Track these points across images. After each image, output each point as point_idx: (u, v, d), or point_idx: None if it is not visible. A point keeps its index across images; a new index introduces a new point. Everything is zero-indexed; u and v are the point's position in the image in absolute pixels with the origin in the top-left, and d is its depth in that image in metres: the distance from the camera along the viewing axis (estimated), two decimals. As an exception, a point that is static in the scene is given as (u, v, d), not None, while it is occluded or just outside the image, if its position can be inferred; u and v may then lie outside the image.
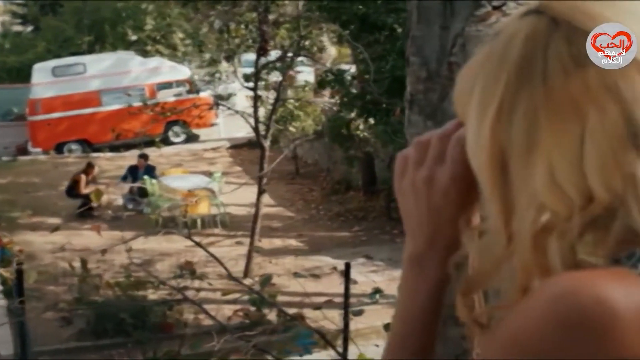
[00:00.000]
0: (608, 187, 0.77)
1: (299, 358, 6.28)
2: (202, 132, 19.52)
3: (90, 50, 21.76)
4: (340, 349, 6.00)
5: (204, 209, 13.03)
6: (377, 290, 5.85)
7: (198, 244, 4.78)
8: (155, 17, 18.30)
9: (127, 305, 7.59)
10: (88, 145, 18.81)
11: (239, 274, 10.02)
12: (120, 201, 14.36)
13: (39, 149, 18.92)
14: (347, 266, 7.32)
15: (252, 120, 10.57)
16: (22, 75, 20.55)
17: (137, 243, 11.07)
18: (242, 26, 11.03)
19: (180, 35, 15.79)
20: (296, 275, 7.15)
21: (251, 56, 12.27)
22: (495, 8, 1.59)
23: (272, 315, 6.52)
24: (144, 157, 14.70)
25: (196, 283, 7.26)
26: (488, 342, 0.79)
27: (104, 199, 13.65)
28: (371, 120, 10.99)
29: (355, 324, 6.82)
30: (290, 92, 13.62)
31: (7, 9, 28.55)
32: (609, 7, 0.81)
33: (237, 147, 18.67)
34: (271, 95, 11.61)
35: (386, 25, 9.58)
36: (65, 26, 22.78)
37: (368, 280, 9.19)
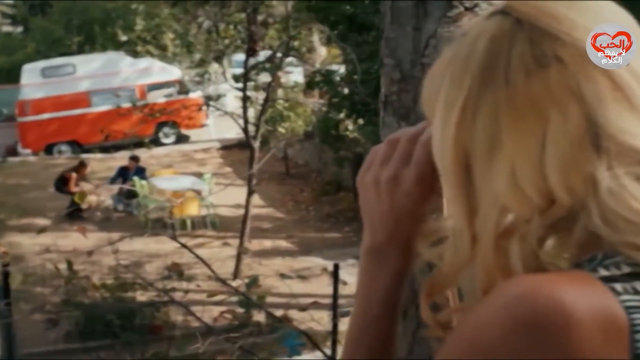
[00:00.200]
0: (569, 189, 0.77)
1: (287, 359, 6.29)
2: (193, 133, 19.50)
3: (80, 51, 21.70)
4: (328, 350, 6.01)
5: (194, 210, 13.02)
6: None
7: (184, 246, 4.76)
8: (145, 17, 18.27)
9: (114, 307, 7.57)
10: (78, 147, 18.75)
11: (228, 275, 10.01)
12: (109, 202, 14.33)
13: (28, 150, 18.86)
14: (336, 267, 7.31)
15: (241, 121, 10.57)
16: (12, 76, 20.48)
17: (126, 244, 11.05)
18: (231, 27, 11.02)
19: (171, 35, 15.76)
20: (283, 276, 7.14)
21: (242, 57, 12.28)
22: (467, 9, 1.59)
23: (261, 317, 6.53)
24: (135, 159, 14.67)
25: (184, 285, 7.26)
26: (447, 344, 0.79)
27: (93, 200, 13.65)
28: (360, 121, 11.00)
29: (344, 325, 6.82)
30: (280, 93, 13.62)
31: (-4, 10, 28.48)
32: (573, 7, 0.81)
33: (228, 148, 18.65)
34: (261, 96, 11.60)
35: (374, 26, 9.60)
36: (55, 27, 22.73)
37: (357, 281, 9.16)
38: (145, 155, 15.14)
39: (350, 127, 11.50)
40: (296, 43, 11.00)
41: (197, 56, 13.08)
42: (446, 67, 0.84)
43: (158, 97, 17.39)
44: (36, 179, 16.39)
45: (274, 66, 10.53)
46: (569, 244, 0.80)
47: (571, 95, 0.77)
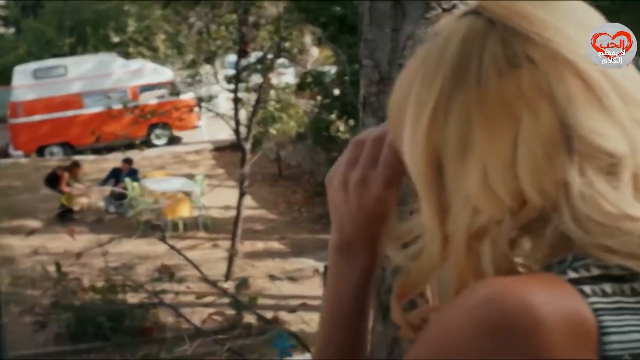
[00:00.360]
0: (540, 191, 0.77)
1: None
2: (185, 135, 19.47)
3: (72, 52, 21.67)
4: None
5: (185, 211, 13.00)
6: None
7: (172, 247, 4.76)
8: (137, 19, 18.24)
9: (104, 309, 7.55)
10: (70, 148, 18.70)
11: (220, 276, 10.01)
12: (101, 204, 14.30)
13: (20, 152, 18.80)
14: (326, 269, 7.30)
15: (233, 123, 10.57)
16: (3, 77, 20.41)
17: (118, 246, 11.05)
18: (222, 28, 11.01)
19: (162, 37, 15.73)
20: (272, 278, 7.14)
21: (235, 58, 12.27)
22: (445, 10, 1.59)
23: (252, 319, 6.52)
24: (128, 161, 14.62)
25: (175, 286, 7.25)
26: (416, 344, 0.79)
27: (85, 201, 13.62)
28: (351, 122, 11.01)
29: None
30: (272, 94, 13.61)
31: (-12, 11, 28.39)
32: (544, 7, 0.81)
33: (220, 149, 18.63)
34: (252, 98, 11.60)
35: (365, 27, 9.54)
36: (47, 28, 22.68)
37: (348, 282, 9.15)
38: (137, 156, 15.11)
39: (342, 128, 11.49)
40: (287, 44, 10.99)
41: (189, 57, 13.05)
42: (418, 67, 0.83)
43: (150, 99, 17.36)
44: (27, 181, 16.34)
45: (265, 67, 10.53)
46: (541, 246, 0.80)
47: (542, 96, 0.76)
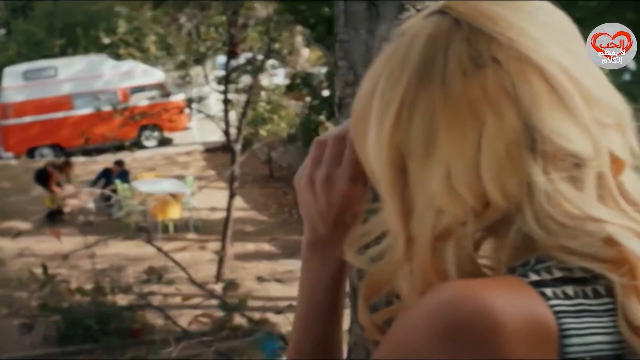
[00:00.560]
0: (504, 192, 0.76)
1: (265, 360, 6.26)
2: (176, 136, 19.44)
3: (63, 54, 21.63)
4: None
5: (176, 213, 12.97)
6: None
7: (159, 249, 4.74)
8: (127, 20, 18.22)
9: (92, 311, 7.53)
10: (60, 150, 18.64)
11: (210, 278, 9.99)
12: (91, 205, 14.25)
13: (10, 154, 18.73)
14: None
15: (223, 124, 10.56)
16: (-7, 79, 20.32)
17: (108, 248, 11.02)
18: (212, 29, 10.99)
19: (153, 38, 15.71)
20: (260, 279, 7.13)
21: (225, 59, 12.24)
22: (419, 12, 1.58)
23: (242, 320, 6.51)
24: (119, 163, 14.57)
25: (165, 288, 7.24)
26: (379, 346, 0.79)
27: (75, 203, 13.58)
28: (341, 123, 10.94)
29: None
30: (263, 95, 13.59)
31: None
32: (509, 8, 0.80)
33: (211, 150, 18.60)
34: (242, 99, 11.58)
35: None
36: (37, 29, 22.62)
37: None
38: (128, 158, 15.08)
39: (331, 129, 11.46)
40: (277, 45, 10.99)
41: (179, 58, 13.03)
42: (383, 67, 0.83)
43: (141, 100, 17.32)
44: (17, 183, 16.28)
45: (254, 68, 10.52)
46: (505, 248, 0.80)
47: (506, 97, 0.76)
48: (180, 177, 14.64)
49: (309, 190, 0.96)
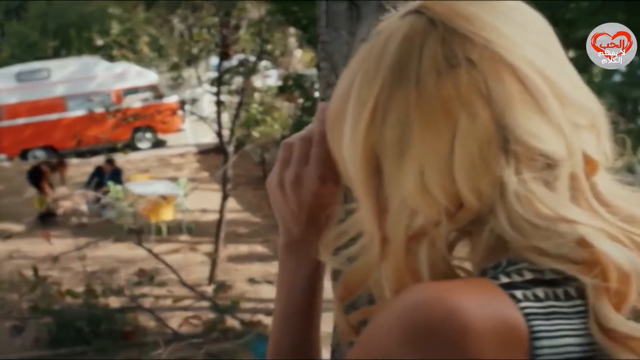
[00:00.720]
0: (476, 192, 0.76)
1: None
2: (170, 138, 19.42)
3: (56, 56, 21.57)
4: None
5: (169, 215, 12.96)
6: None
7: (149, 251, 4.73)
8: (120, 21, 18.20)
9: (83, 313, 7.52)
10: (53, 152, 18.59)
11: (203, 280, 9.98)
12: (84, 207, 14.23)
13: (3, 156, 18.69)
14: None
15: (216, 126, 10.55)
16: (-14, 80, 20.25)
17: (101, 250, 11.00)
18: (204, 30, 10.99)
19: (146, 39, 15.71)
20: (252, 281, 7.14)
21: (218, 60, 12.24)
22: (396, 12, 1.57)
23: (235, 322, 6.50)
24: (110, 162, 14.55)
25: (159, 290, 7.23)
26: (351, 348, 0.78)
27: (67, 205, 13.55)
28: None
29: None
30: (256, 97, 13.58)
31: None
32: (484, 8, 0.80)
33: (205, 152, 18.58)
34: (235, 100, 11.58)
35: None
36: (30, 31, 22.58)
37: (332, 284, 9.17)
38: (121, 160, 15.07)
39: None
40: (269, 46, 10.99)
41: (173, 60, 13.03)
42: (359, 66, 0.82)
43: (134, 102, 17.30)
44: (10, 185, 16.25)
45: (247, 70, 10.52)
46: (478, 249, 0.80)
47: (480, 97, 0.76)
48: (174, 179, 14.62)
49: (279, 191, 0.96)
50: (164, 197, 12.66)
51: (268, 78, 15.46)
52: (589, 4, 6.06)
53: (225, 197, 10.58)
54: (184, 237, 12.92)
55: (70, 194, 13.50)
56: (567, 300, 0.75)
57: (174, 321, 6.50)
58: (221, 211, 10.64)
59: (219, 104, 10.26)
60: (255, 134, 12.44)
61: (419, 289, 0.75)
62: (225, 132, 10.76)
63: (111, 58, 18.29)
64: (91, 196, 14.14)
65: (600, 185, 0.82)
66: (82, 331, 7.81)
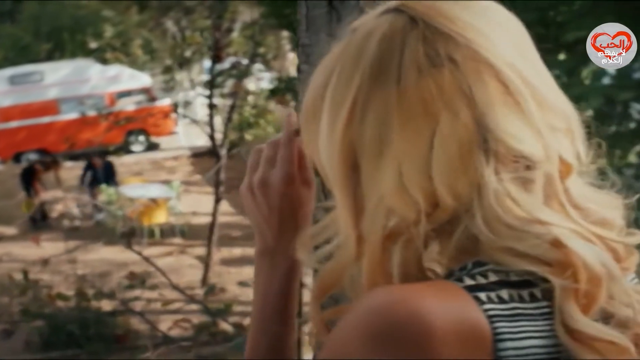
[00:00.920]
0: (453, 192, 0.76)
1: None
2: (163, 141, 19.40)
3: (49, 58, 21.52)
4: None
5: (162, 218, 12.94)
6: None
7: (139, 254, 4.73)
8: (113, 24, 18.20)
9: (73, 316, 7.50)
10: (47, 155, 18.55)
11: (196, 283, 9.96)
12: (77, 210, 14.20)
13: (-4, 159, 18.67)
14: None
15: (208, 129, 10.54)
16: (-21, 84, 20.21)
17: (93, 253, 10.96)
18: (197, 33, 10.99)
19: (139, 42, 15.71)
20: (242, 284, 7.14)
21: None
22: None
23: (228, 325, 6.50)
24: (100, 155, 14.40)
25: (152, 294, 7.22)
26: (322, 348, 0.79)
27: (59, 208, 13.52)
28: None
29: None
30: (250, 100, 13.57)
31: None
32: (467, 9, 0.80)
33: (198, 155, 18.56)
34: (229, 103, 11.57)
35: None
36: (23, 34, 22.53)
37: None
38: (114, 163, 15.03)
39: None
40: (262, 49, 10.98)
41: (165, 63, 13.02)
42: (334, 64, 0.82)
43: (127, 105, 17.28)
44: (3, 188, 16.20)
45: (239, 73, 10.51)
46: (447, 250, 0.80)
47: (462, 97, 0.76)
48: (167, 182, 14.60)
49: (249, 196, 0.98)
50: (154, 200, 12.64)
51: (261, 81, 15.47)
52: (579, 7, 6.07)
53: (218, 200, 10.56)
54: (177, 240, 12.90)
55: (64, 197, 13.47)
56: (532, 302, 0.75)
57: (166, 324, 6.49)
58: (214, 214, 10.62)
59: (211, 106, 10.25)
60: (248, 137, 12.43)
61: (383, 291, 0.75)
62: (219, 135, 10.74)
63: (104, 61, 18.28)
64: (85, 200, 14.11)
65: (572, 189, 0.82)
66: (73, 335, 7.80)
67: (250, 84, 13.67)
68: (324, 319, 0.88)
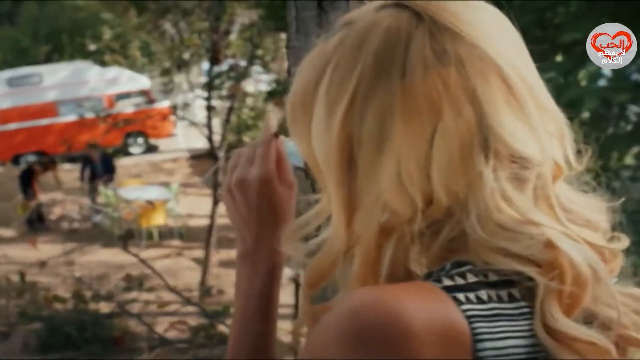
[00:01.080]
0: (449, 190, 0.76)
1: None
2: (162, 143, 19.39)
3: (48, 61, 21.53)
4: (290, 358, 5.99)
5: (161, 220, 12.95)
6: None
7: (136, 256, 4.73)
8: (111, 26, 18.19)
9: (73, 318, 7.50)
10: (46, 157, 18.57)
11: (194, 285, 9.96)
12: (75, 212, 14.20)
13: (-5, 161, 18.67)
14: (298, 275, 7.29)
15: (206, 131, 10.55)
16: (-22, 86, 20.20)
17: (92, 255, 10.95)
18: (195, 35, 10.99)
19: (138, 44, 15.71)
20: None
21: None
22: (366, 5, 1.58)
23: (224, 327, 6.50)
24: (93, 146, 14.33)
25: (151, 296, 7.22)
26: (303, 347, 0.79)
27: (58, 211, 13.51)
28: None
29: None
30: (249, 102, 13.56)
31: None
32: (467, 7, 0.81)
33: (197, 157, 18.55)
34: (227, 105, 11.57)
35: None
36: (22, 36, 22.54)
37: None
38: (113, 166, 15.03)
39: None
40: (260, 51, 10.99)
41: (164, 65, 13.01)
42: (329, 56, 0.81)
43: (126, 107, 17.29)
44: (2, 190, 16.19)
45: (237, 75, 10.51)
46: (432, 249, 0.80)
47: (467, 96, 0.76)
48: (166, 184, 14.60)
49: (229, 197, 0.98)
50: (150, 203, 12.64)
51: (260, 83, 15.47)
52: (576, 8, 6.07)
53: (216, 202, 10.57)
54: (176, 242, 12.90)
55: (63, 200, 13.47)
56: (511, 302, 0.76)
57: (164, 327, 6.49)
58: (212, 216, 10.63)
59: (210, 109, 10.26)
60: (247, 139, 12.43)
61: (361, 292, 0.75)
62: (217, 137, 10.75)
63: (103, 63, 18.27)
64: (84, 202, 14.10)
65: (559, 191, 0.83)
66: (71, 337, 7.80)
67: (249, 86, 13.66)
68: (313, 313, 0.87)
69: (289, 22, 1.73)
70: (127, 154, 18.20)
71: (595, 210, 0.85)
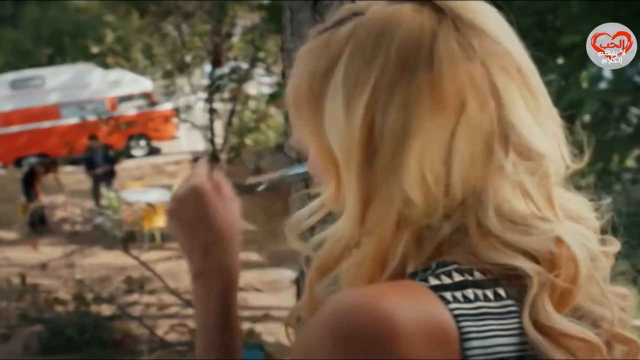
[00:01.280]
0: (466, 184, 0.77)
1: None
2: (164, 145, 19.42)
3: (51, 63, 21.58)
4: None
5: (163, 222, 12.94)
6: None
7: (136, 259, 4.73)
8: (113, 29, 18.24)
9: (74, 321, 7.50)
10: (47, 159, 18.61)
11: (195, 287, 9.95)
12: (77, 214, 14.21)
13: (-3, 163, 18.71)
14: (298, 278, 7.28)
15: (208, 133, 10.57)
16: (-19, 88, 20.24)
17: (93, 258, 10.95)
18: (196, 38, 11.01)
19: (140, 47, 15.75)
20: (240, 289, 7.14)
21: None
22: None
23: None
24: (92, 138, 14.30)
25: (152, 298, 7.22)
26: (292, 347, 0.79)
27: (60, 214, 13.52)
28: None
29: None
30: (251, 104, 13.58)
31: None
32: (480, 6, 0.82)
33: (199, 160, 18.58)
34: (229, 108, 11.58)
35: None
36: (25, 39, 22.60)
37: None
38: (115, 168, 15.05)
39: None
40: (262, 54, 11.00)
41: (166, 67, 13.05)
42: (342, 45, 0.80)
43: (129, 109, 17.31)
44: (4, 192, 16.22)
45: (239, 77, 10.53)
46: (425, 248, 0.80)
47: (492, 90, 0.77)
48: (168, 187, 14.61)
49: (171, 219, 0.99)
50: (151, 205, 12.64)
51: (262, 85, 15.49)
52: (577, 10, 6.08)
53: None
54: (177, 245, 12.90)
55: (65, 202, 13.48)
56: (497, 301, 0.76)
57: (165, 329, 6.49)
58: (213, 219, 10.62)
59: (211, 111, 10.27)
60: (249, 141, 12.46)
61: (349, 293, 0.75)
62: (219, 140, 10.77)
63: (105, 65, 18.31)
64: (86, 205, 14.12)
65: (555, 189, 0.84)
66: (72, 339, 7.80)
67: (251, 89, 13.68)
68: (313, 305, 0.86)
69: (283, 25, 1.73)
70: (130, 156, 18.23)
71: (585, 208, 0.85)
